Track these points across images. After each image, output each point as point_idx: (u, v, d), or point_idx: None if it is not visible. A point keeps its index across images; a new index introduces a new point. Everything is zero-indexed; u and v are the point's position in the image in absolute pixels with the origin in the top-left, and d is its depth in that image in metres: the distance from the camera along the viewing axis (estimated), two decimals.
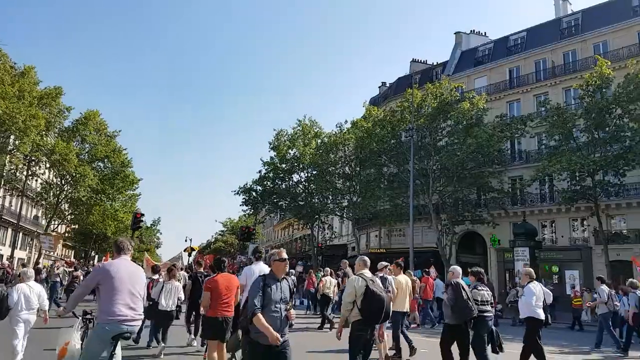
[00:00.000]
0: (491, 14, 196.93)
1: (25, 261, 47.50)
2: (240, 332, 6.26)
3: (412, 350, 10.37)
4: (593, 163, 25.52)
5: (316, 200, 44.08)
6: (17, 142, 37.70)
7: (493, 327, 8.15)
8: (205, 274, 11.59)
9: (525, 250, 27.95)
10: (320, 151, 41.81)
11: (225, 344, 7.55)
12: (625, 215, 31.62)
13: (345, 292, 6.59)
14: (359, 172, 40.16)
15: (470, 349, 7.86)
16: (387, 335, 9.59)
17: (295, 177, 45.10)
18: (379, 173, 38.28)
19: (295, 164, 43.85)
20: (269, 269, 5.35)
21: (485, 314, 7.91)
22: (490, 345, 7.91)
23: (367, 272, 6.66)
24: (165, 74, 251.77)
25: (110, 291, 5.23)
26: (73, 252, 73.60)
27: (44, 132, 39.68)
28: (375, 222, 42.99)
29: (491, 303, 8.28)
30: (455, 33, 47.97)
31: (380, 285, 6.74)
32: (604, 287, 14.41)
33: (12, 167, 40.83)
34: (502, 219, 35.83)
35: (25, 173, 42.63)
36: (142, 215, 35.21)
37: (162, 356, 9.72)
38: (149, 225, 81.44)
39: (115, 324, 5.16)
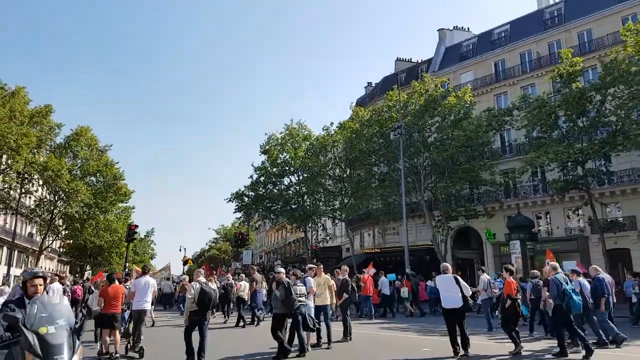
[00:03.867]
0: (474, 9, 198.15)
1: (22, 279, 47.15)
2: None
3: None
4: (580, 152, 25.60)
5: (308, 202, 44.07)
6: (9, 161, 37.77)
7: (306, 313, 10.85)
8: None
9: (517, 243, 28.00)
10: (310, 154, 41.84)
11: (116, 331, 10.69)
12: (619, 203, 31.65)
13: (188, 293, 9.62)
14: (349, 173, 40.18)
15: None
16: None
17: (287, 181, 45.08)
18: (370, 173, 38.32)
19: (286, 168, 43.83)
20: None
21: (300, 304, 10.66)
22: (303, 326, 10.66)
23: (202, 279, 10.07)
24: (153, 82, 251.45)
25: None
26: (68, 267, 73.32)
27: (35, 150, 39.86)
28: (369, 222, 43.06)
29: (306, 296, 11.10)
30: (438, 30, 48.15)
31: (211, 285, 10.08)
32: (484, 276, 16.75)
33: (5, 186, 40.85)
34: (496, 213, 35.94)
35: (18, 191, 42.62)
36: (136, 226, 35.37)
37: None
38: (142, 237, 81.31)
39: None
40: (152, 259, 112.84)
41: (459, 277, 10.47)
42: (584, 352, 9.84)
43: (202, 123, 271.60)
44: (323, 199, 43.12)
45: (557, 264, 11.44)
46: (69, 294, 23.09)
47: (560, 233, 33.88)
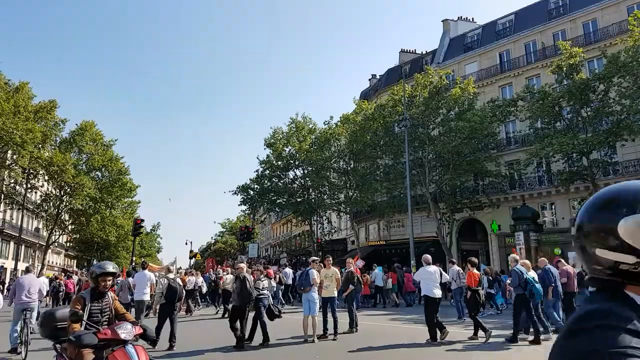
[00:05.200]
0: None
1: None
2: None
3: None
4: (584, 142, 25.51)
5: (313, 196, 44.12)
6: (15, 157, 37.97)
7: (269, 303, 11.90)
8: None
9: (520, 234, 28.09)
10: (315, 147, 41.85)
11: None
12: None
13: (157, 287, 11.80)
14: (354, 166, 40.18)
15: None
16: (315, 318, 11.59)
17: (292, 174, 45.16)
18: (374, 166, 38.29)
19: (291, 161, 43.88)
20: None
21: (261, 297, 11.54)
22: (268, 316, 11.55)
23: (171, 275, 11.94)
24: (158, 76, 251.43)
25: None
26: (75, 262, 73.77)
27: (40, 145, 40.02)
28: (374, 215, 43.06)
29: (269, 289, 12.33)
30: (442, 21, 47.87)
31: (177, 280, 11.81)
32: (454, 268, 17.97)
33: (11, 181, 41.07)
34: (501, 204, 35.90)
35: (24, 186, 42.88)
36: (142, 221, 35.55)
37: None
38: (148, 231, 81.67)
39: None
40: (158, 253, 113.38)
41: (441, 270, 11.74)
42: (531, 338, 10.87)
43: (208, 117, 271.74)
44: (328, 192, 43.15)
45: (518, 256, 12.21)
46: (63, 287, 24.27)
47: (565, 224, 33.76)
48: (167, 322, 11.23)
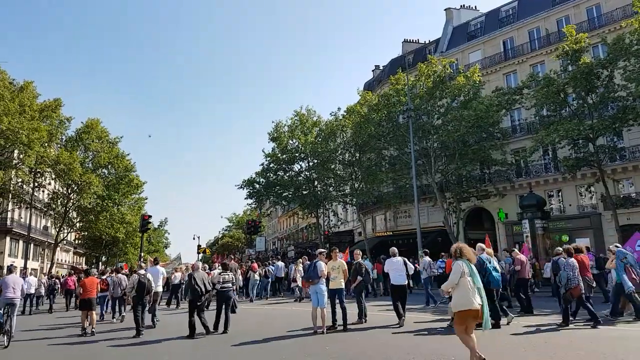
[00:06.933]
0: None
1: (39, 271, 48.03)
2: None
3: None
4: (590, 128, 25.40)
5: (319, 188, 44.15)
6: (21, 156, 38.18)
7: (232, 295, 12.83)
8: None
9: (525, 222, 28.10)
10: (319, 139, 41.80)
11: (93, 312, 13.52)
12: (632, 179, 31.39)
13: (129, 282, 13.67)
14: (359, 157, 40.15)
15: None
16: (323, 310, 11.60)
17: (297, 167, 45.20)
18: (380, 156, 38.25)
19: (296, 154, 43.90)
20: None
21: (225, 289, 12.42)
22: (231, 308, 12.56)
23: (142, 271, 13.38)
24: (164, 72, 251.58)
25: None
26: (84, 259, 74.21)
27: (47, 144, 40.23)
28: (380, 206, 43.08)
29: (232, 283, 12.83)
30: (445, 9, 47.67)
31: (148, 275, 13.20)
32: (425, 258, 19.28)
33: (18, 181, 41.32)
34: (508, 192, 35.81)
35: (32, 185, 43.12)
36: (150, 217, 35.70)
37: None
38: (156, 227, 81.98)
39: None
40: (166, 248, 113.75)
41: (406, 260, 13.13)
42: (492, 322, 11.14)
43: (214, 112, 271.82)
44: (334, 184, 43.18)
45: (484, 245, 12.70)
46: (59, 285, 25.66)
47: (573, 211, 33.72)
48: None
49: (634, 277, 12.30)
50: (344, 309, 11.90)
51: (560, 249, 13.43)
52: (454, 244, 11.65)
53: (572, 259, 11.60)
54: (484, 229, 38.84)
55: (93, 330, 13.28)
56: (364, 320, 12.90)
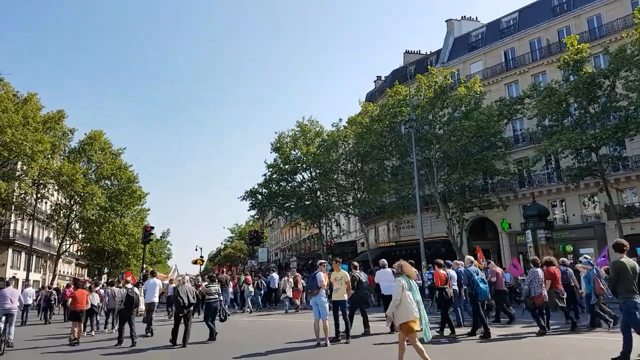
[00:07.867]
0: None
1: (40, 284, 47.97)
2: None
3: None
4: (593, 138, 25.36)
5: (321, 198, 44.07)
6: (25, 168, 38.26)
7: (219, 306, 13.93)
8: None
9: (528, 232, 28.00)
10: (322, 150, 41.83)
11: (81, 323, 14.32)
12: (635, 188, 31.24)
13: (117, 296, 15.08)
14: (361, 167, 40.11)
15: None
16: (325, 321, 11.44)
17: (299, 178, 45.17)
18: (382, 167, 38.23)
19: (298, 164, 43.90)
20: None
21: (211, 300, 13.36)
22: (219, 316, 13.82)
23: (129, 285, 14.33)
24: (164, 73, 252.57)
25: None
26: (86, 271, 74.06)
27: (50, 155, 40.34)
28: (383, 216, 42.98)
29: (219, 294, 13.86)
30: (446, 21, 47.86)
31: (135, 289, 13.95)
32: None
33: (21, 192, 41.39)
34: (511, 202, 35.71)
35: (34, 197, 43.19)
36: (152, 228, 35.73)
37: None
38: (158, 238, 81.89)
39: None
40: (168, 259, 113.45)
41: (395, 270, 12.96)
42: (482, 331, 11.68)
43: (215, 122, 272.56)
44: (336, 194, 43.13)
45: (472, 258, 13.52)
46: (55, 296, 25.31)
47: (576, 220, 33.57)
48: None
49: (602, 286, 12.61)
50: (346, 321, 11.82)
51: (564, 259, 13.52)
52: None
53: (538, 269, 12.26)
54: (487, 239, 38.72)
55: (77, 338, 13.76)
56: (367, 331, 12.77)
